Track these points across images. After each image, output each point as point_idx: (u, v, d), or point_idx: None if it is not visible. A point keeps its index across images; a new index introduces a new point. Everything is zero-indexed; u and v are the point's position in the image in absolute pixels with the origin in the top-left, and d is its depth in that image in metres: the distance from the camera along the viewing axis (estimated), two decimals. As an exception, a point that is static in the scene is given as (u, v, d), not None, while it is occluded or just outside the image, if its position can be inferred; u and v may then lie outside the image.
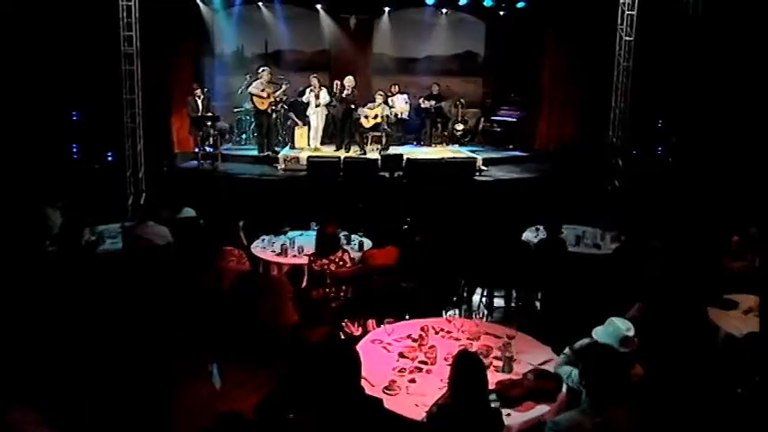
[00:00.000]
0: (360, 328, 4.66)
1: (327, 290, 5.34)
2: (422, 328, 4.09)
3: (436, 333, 4.23)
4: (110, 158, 10.71)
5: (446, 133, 13.44)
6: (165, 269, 6.29)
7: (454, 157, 10.61)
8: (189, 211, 7.84)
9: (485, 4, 13.39)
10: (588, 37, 11.31)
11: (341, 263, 5.45)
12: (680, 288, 5.01)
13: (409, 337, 4.14)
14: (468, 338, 4.13)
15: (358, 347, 4.09)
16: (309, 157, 10.07)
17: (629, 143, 10.71)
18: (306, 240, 6.68)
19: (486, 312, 6.51)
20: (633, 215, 7.51)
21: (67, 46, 9.63)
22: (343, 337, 4.37)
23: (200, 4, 13.03)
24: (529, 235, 7.20)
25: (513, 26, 13.74)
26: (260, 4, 13.63)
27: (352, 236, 6.81)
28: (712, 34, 9.64)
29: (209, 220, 7.35)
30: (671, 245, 6.01)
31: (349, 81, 11.40)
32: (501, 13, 13.90)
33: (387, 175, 9.69)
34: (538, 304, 6.56)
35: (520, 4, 13.22)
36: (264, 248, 6.59)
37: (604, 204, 9.27)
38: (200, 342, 5.70)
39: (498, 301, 6.74)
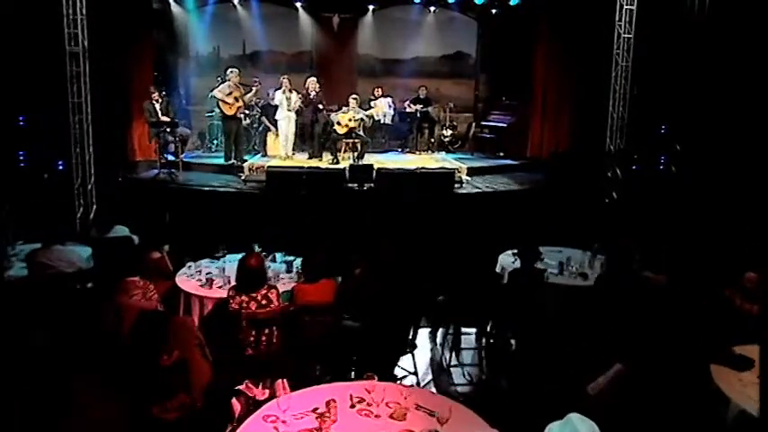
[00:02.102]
0: (265, 391, 3.68)
1: (242, 335, 4.38)
2: (328, 403, 3.09)
3: (352, 406, 3.22)
4: (60, 167, 9.82)
5: (433, 140, 12.58)
6: (70, 301, 5.37)
7: (423, 167, 9.49)
8: (121, 230, 6.93)
9: (476, 1, 12.60)
10: (585, 34, 10.51)
11: (264, 301, 4.49)
12: (677, 338, 3.99)
13: (315, 411, 3.14)
14: (390, 416, 3.13)
15: (243, 427, 3.11)
16: (269, 167, 9.12)
17: (629, 151, 9.85)
18: (241, 267, 5.75)
19: (450, 353, 5.52)
20: (627, 236, 6.49)
21: (13, 44, 8.76)
22: (239, 404, 3.39)
23: (172, 3, 12.25)
24: (506, 259, 6.19)
25: (507, 25, 12.93)
26: (235, 2, 12.80)
27: (295, 262, 5.81)
28: (720, 30, 8.70)
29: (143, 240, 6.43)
30: (668, 276, 5.00)
31: (312, 83, 10.59)
32: (493, 11, 13.08)
33: (356, 187, 8.69)
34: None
35: (513, 2, 12.35)
36: (191, 277, 5.60)
37: (599, 221, 8.23)
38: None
39: (468, 339, 5.78)
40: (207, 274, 5.47)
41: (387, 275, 4.69)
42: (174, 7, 12.39)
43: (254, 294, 4.46)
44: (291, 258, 5.95)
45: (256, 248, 6.21)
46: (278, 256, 6.10)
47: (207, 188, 9.25)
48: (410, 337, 4.96)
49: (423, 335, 5.95)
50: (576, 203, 8.85)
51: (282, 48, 13.42)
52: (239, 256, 6.14)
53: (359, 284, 4.73)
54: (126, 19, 10.15)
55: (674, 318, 4.33)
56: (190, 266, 5.75)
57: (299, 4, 12.92)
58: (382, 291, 4.57)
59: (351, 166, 9.09)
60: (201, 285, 5.36)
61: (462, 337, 5.71)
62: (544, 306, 5.09)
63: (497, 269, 6.09)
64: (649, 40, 9.47)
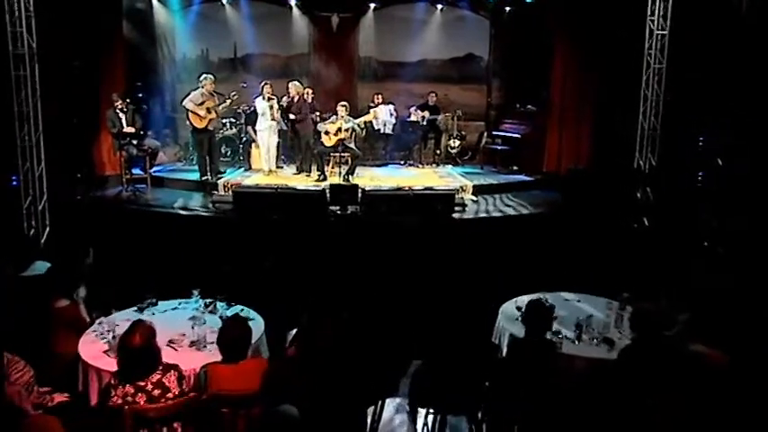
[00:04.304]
0: None
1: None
2: None
3: None
4: (14, 183, 8.77)
5: (439, 151, 11.42)
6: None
7: (412, 188, 8.20)
8: (42, 267, 5.79)
9: (488, -2, 11.67)
10: (610, 32, 9.37)
11: (157, 391, 3.23)
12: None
13: None
14: None
15: None
16: (236, 186, 7.90)
17: (661, 167, 8.73)
18: (170, 321, 4.55)
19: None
20: (662, 283, 5.12)
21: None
22: None
23: (155, 2, 11.38)
24: (508, 313, 4.85)
25: (522, 24, 11.85)
26: (224, 1, 11.90)
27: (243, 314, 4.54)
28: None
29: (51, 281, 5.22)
30: (730, 354, 3.63)
31: (295, 87, 9.60)
32: (507, 8, 12.04)
33: (338, 210, 7.41)
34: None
35: (529, -2, 11.25)
36: (100, 337, 4.34)
37: (627, 255, 6.85)
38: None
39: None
40: (115, 336, 4.19)
41: (327, 360, 3.40)
42: (157, 7, 11.50)
43: (142, 383, 3.20)
44: (236, 310, 4.73)
45: (195, 294, 5.02)
46: (219, 306, 4.86)
47: (172, 210, 8.06)
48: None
49: (400, 410, 4.70)
50: (599, 231, 7.52)
51: (276, 50, 12.58)
52: (172, 304, 5.01)
53: (291, 368, 3.45)
54: (88, 15, 9.12)
55: (745, 424, 3.00)
56: (101, 322, 4.50)
57: (293, 3, 12.00)
58: (320, 378, 3.29)
59: (332, 185, 7.83)
60: (106, 351, 4.11)
61: (449, 418, 4.41)
62: (556, 388, 3.76)
63: (495, 331, 4.77)
64: (686, 38, 8.35)
